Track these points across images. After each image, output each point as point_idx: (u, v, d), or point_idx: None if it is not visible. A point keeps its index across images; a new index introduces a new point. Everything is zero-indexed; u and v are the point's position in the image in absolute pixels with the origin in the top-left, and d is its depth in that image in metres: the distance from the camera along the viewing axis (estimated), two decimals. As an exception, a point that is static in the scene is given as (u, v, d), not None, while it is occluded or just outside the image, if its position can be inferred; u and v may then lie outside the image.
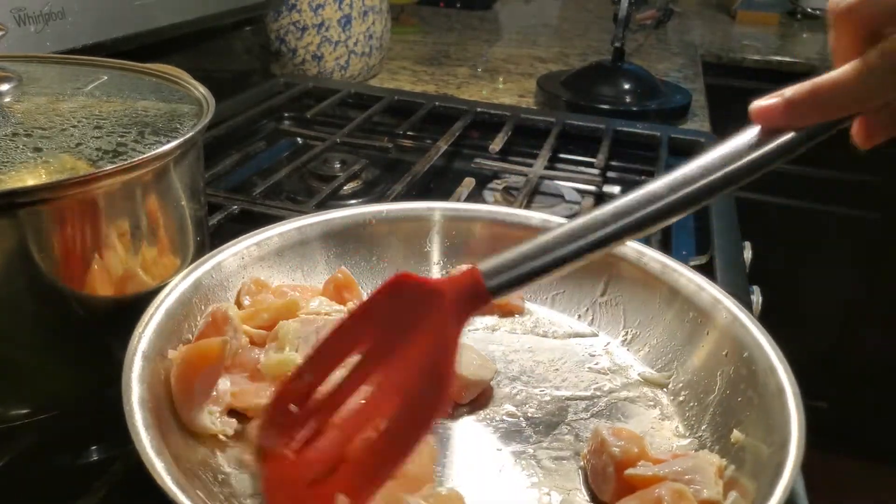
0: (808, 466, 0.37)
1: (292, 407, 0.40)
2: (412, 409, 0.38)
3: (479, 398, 0.50)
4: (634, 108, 1.18)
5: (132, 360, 0.42)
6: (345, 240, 0.60)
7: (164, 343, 0.45)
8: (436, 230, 0.62)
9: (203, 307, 0.50)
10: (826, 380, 1.86)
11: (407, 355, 0.39)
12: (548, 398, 0.51)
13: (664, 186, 0.37)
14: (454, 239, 0.63)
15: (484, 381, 0.50)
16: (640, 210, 0.38)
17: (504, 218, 0.62)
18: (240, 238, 0.56)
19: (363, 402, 0.40)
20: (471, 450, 0.46)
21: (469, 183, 0.82)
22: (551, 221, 0.61)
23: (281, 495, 0.39)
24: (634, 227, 0.38)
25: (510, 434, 0.47)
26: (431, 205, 0.63)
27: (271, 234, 0.57)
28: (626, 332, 0.56)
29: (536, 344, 0.56)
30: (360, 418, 0.39)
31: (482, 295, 0.39)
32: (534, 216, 0.62)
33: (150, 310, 0.46)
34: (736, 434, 0.43)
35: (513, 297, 0.59)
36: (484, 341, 0.56)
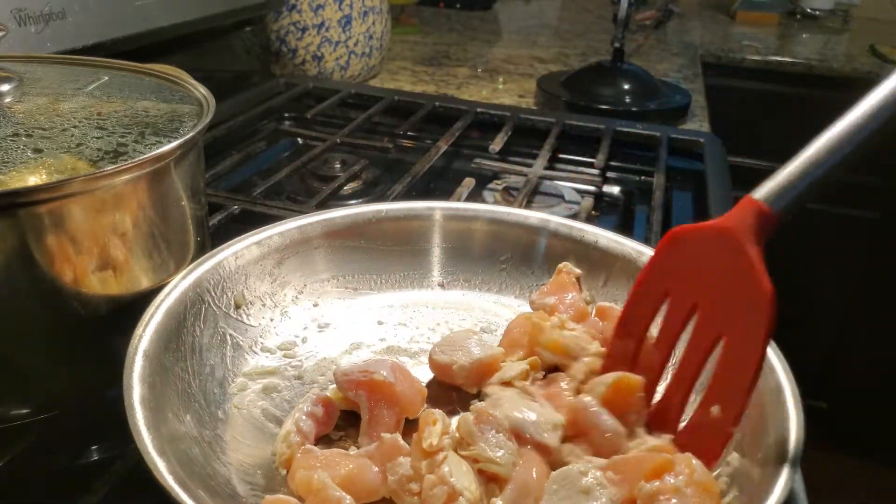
0: (808, 466, 0.37)
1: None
2: (743, 336, 0.40)
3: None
4: (634, 109, 1.18)
5: (133, 359, 0.42)
6: (345, 239, 0.60)
7: (165, 342, 0.45)
8: (436, 230, 0.63)
9: (202, 307, 0.50)
10: (826, 380, 1.86)
11: (715, 295, 0.42)
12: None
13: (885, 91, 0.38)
14: (454, 239, 0.63)
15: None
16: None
17: (504, 217, 0.63)
18: (240, 237, 0.56)
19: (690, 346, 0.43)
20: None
21: (469, 183, 0.82)
22: (550, 220, 0.61)
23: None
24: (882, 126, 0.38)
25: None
26: (431, 204, 0.63)
27: (272, 233, 0.57)
28: None
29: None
30: (693, 358, 0.43)
31: (768, 216, 0.40)
32: (532, 215, 0.62)
33: (151, 309, 0.46)
34: None
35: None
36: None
